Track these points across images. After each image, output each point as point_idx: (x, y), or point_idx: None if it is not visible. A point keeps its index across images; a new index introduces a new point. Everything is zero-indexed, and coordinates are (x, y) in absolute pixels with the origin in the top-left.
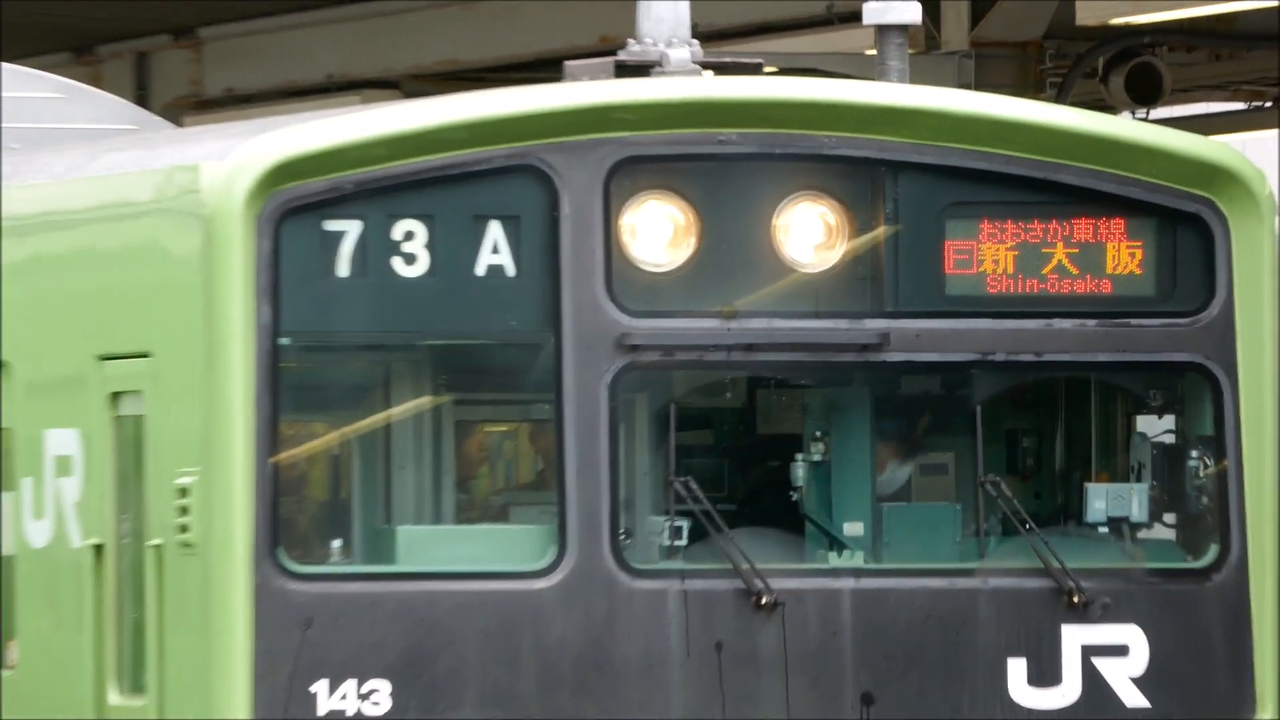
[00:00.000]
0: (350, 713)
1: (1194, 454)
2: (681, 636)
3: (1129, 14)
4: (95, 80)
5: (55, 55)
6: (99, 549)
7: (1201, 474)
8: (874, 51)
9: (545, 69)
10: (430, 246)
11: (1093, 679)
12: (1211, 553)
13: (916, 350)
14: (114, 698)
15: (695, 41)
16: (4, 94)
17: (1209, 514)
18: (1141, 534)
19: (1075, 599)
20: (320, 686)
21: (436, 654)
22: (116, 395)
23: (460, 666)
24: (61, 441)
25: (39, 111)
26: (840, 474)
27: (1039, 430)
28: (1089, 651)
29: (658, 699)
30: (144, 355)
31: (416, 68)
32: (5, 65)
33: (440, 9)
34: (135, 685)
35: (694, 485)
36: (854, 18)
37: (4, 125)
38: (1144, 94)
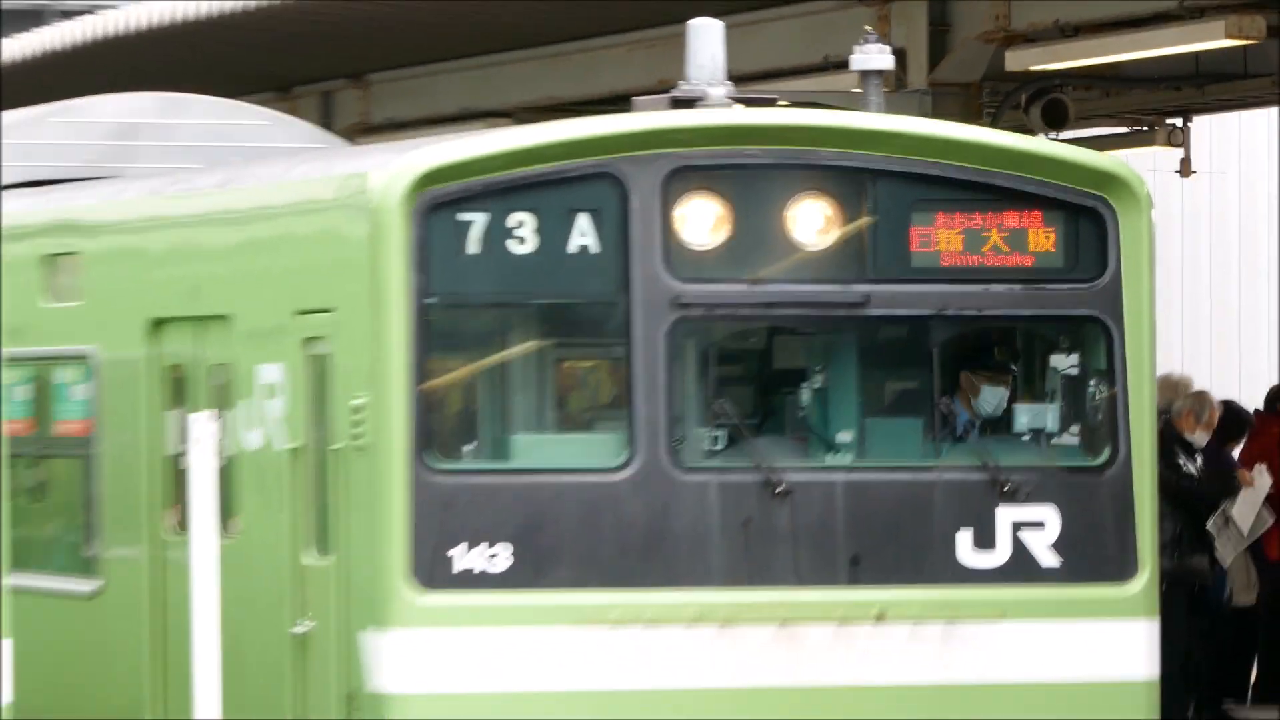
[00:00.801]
0: (477, 570)
1: (1092, 382)
2: (718, 516)
3: (1044, 62)
4: (293, 111)
5: (263, 94)
6: (295, 451)
7: (1097, 397)
8: (859, 89)
9: (618, 103)
10: (536, 232)
11: (1019, 545)
12: (1105, 454)
13: (890, 307)
14: (307, 559)
15: (728, 82)
16: (228, 121)
17: (1102, 426)
18: (1054, 441)
19: (1005, 488)
20: (457, 551)
21: (541, 527)
22: (309, 339)
23: (558, 536)
24: (269, 373)
25: (252, 134)
26: (834, 397)
27: (994, 371)
28: (1016, 526)
29: (701, 561)
30: (328, 310)
31: (524, 102)
32: (228, 101)
33: (542, 59)
34: (322, 549)
35: (728, 405)
36: (844, 65)
37: (227, 144)
38: (1055, 121)
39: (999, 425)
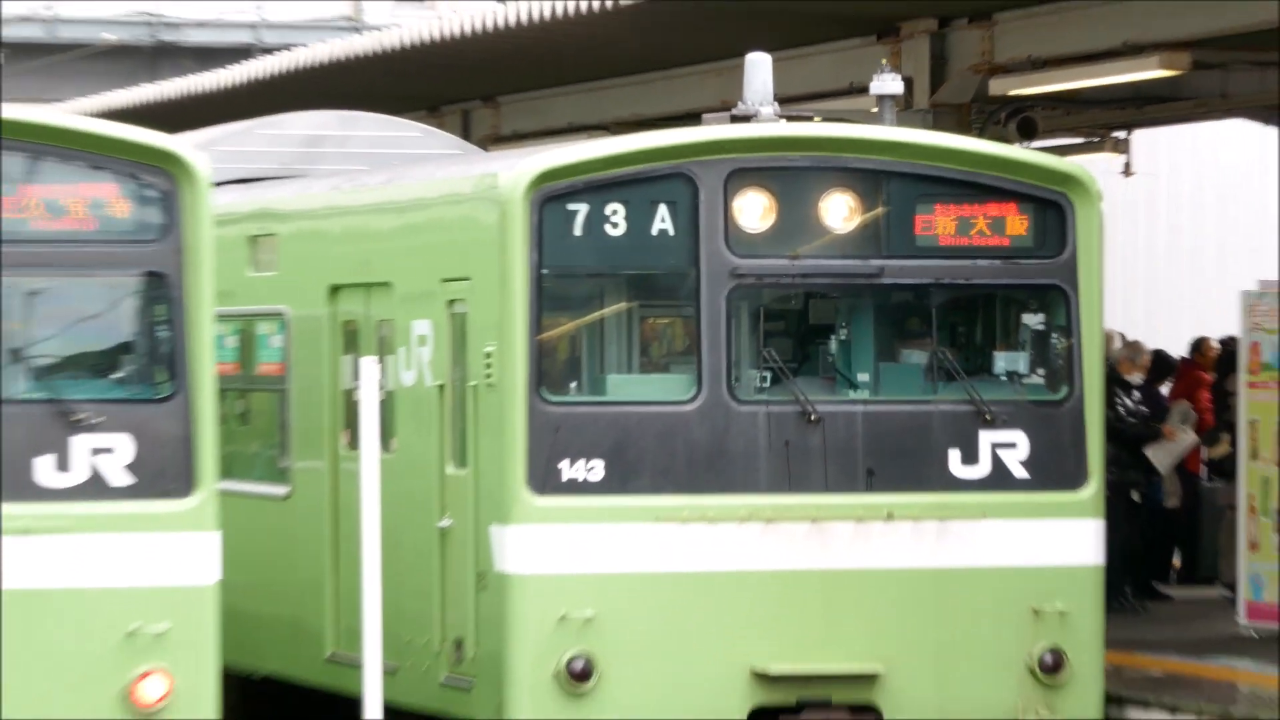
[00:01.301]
0: (579, 479)
1: (1054, 336)
2: (765, 438)
3: (1018, 88)
4: (440, 126)
5: (415, 111)
6: (440, 387)
7: (1058, 347)
8: (876, 109)
9: (690, 119)
10: (625, 219)
11: (996, 461)
12: (1063, 391)
13: (899, 277)
14: (449, 470)
15: (775, 103)
16: (389, 133)
17: (1062, 369)
18: (1024, 380)
19: (987, 416)
20: (563, 464)
21: (627, 447)
22: (451, 301)
23: (640, 454)
24: (420, 327)
25: (408, 143)
26: (855, 346)
27: (969, 322)
28: (995, 446)
29: (751, 473)
30: (466, 279)
31: (618, 118)
32: (389, 117)
33: (632, 84)
34: (460, 463)
35: (773, 353)
36: (864, 90)
37: (388, 151)
38: (1027, 133)
39: (982, 368)
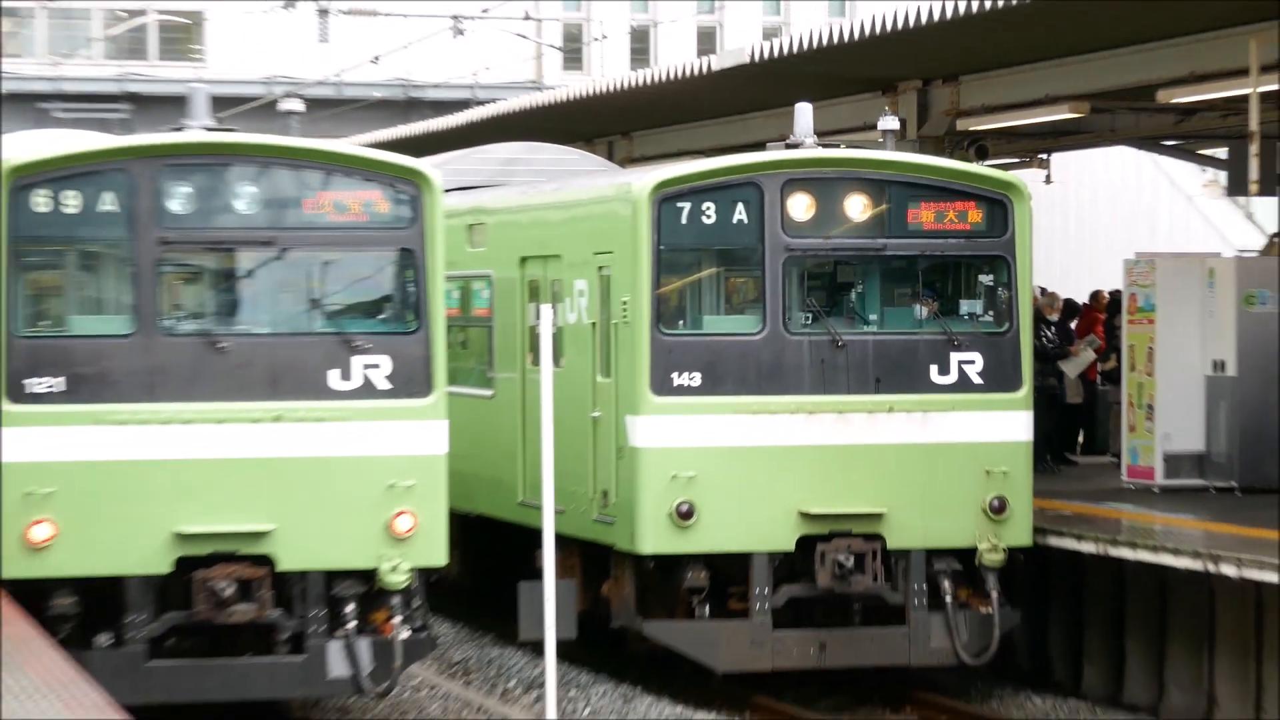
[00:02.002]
0: (685, 384)
1: (999, 289)
2: (808, 357)
3: (976, 126)
4: (591, 151)
5: (575, 141)
6: (593, 325)
7: (1001, 296)
8: (881, 140)
9: (759, 147)
10: (715, 212)
11: (961, 373)
12: (1005, 325)
13: (897, 251)
14: (599, 379)
15: (814, 135)
16: (559, 155)
17: (1005, 311)
18: (980, 318)
19: (955, 342)
20: (674, 375)
21: (717, 364)
22: (600, 267)
23: (725, 368)
24: (580, 284)
25: (571, 162)
26: (868, 296)
27: (944, 281)
28: (961, 362)
29: (799, 380)
30: (610, 252)
31: (709, 146)
32: (559, 145)
33: (719, 124)
34: (605, 374)
35: (813, 301)
36: (874, 127)
37: (559, 168)
38: (981, 155)
39: (951, 311)
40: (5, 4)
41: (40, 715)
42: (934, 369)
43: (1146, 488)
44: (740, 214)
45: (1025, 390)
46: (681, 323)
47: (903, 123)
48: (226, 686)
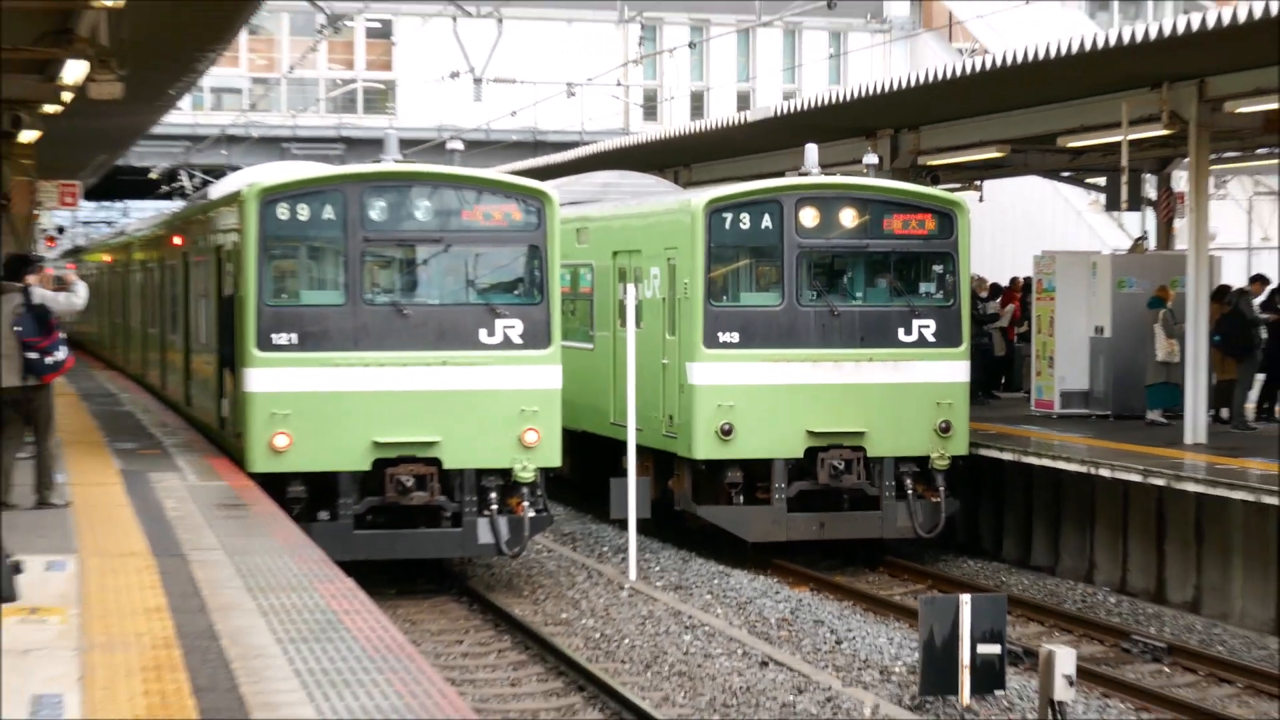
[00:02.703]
0: (727, 341)
1: (947, 276)
2: (814, 322)
3: (932, 160)
4: (663, 176)
5: (653, 170)
6: (664, 299)
7: (948, 280)
8: (865, 171)
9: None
10: (750, 220)
11: (920, 334)
12: (951, 301)
13: (876, 249)
14: (667, 336)
15: (819, 167)
16: (641, 180)
17: (950, 290)
18: (932, 295)
19: (915, 313)
20: (719, 334)
21: (750, 327)
22: (668, 259)
23: (755, 330)
24: (654, 271)
25: (650, 186)
26: (855, 280)
27: (909, 270)
28: (920, 327)
29: (808, 339)
30: (675, 248)
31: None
32: (641, 173)
33: (751, 158)
34: (671, 333)
35: (819, 283)
36: (859, 161)
37: (642, 189)
38: (935, 182)
39: (913, 290)
40: (256, 74)
41: (282, 566)
42: (901, 331)
43: (1048, 415)
44: (766, 222)
45: (964, 346)
46: (725, 297)
47: (880, 158)
48: (408, 548)
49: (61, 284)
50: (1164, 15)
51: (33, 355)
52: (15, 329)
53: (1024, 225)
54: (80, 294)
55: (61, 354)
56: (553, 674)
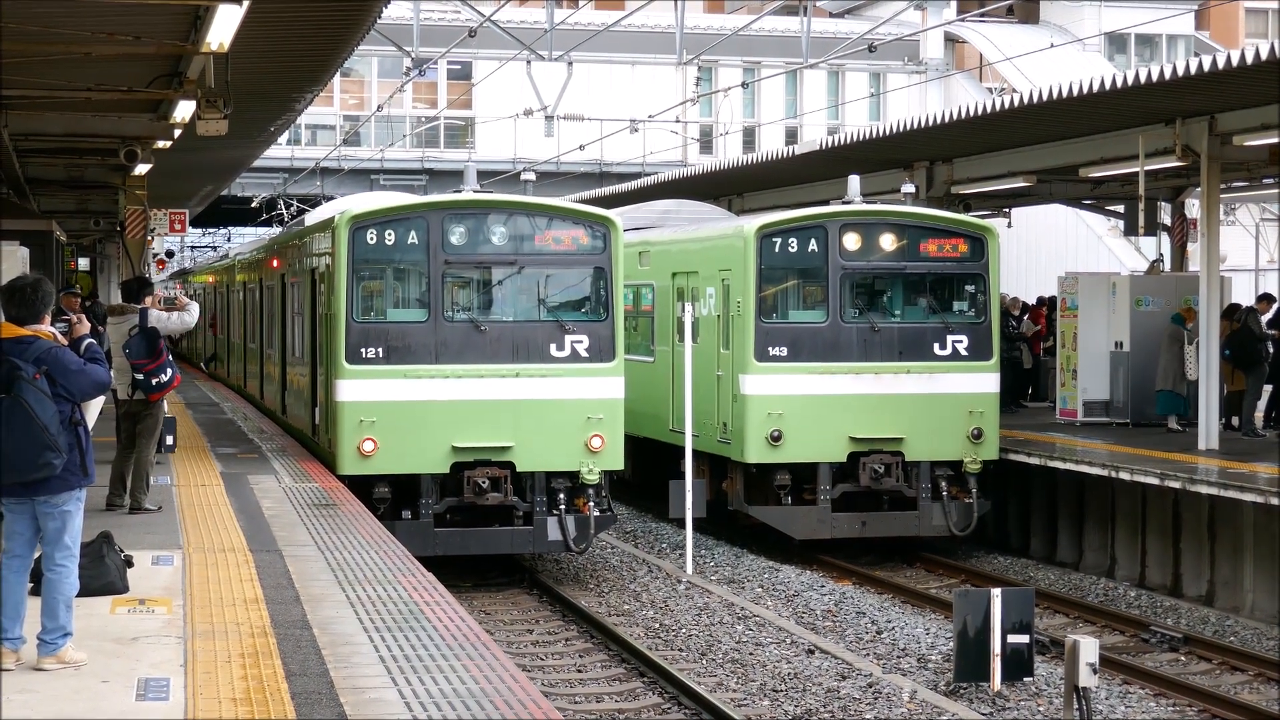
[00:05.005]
0: (776, 354)
1: (979, 295)
2: (856, 338)
3: (964, 190)
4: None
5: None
6: (718, 316)
7: (980, 299)
8: (904, 199)
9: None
10: (797, 244)
11: (954, 348)
12: (982, 319)
13: (914, 270)
14: (722, 350)
15: (861, 196)
16: (698, 207)
17: (982, 308)
18: (966, 313)
19: (949, 329)
20: (770, 348)
21: (797, 341)
22: (723, 279)
23: (803, 344)
24: (710, 290)
25: (705, 213)
26: (894, 298)
27: (945, 289)
28: (954, 342)
29: (850, 352)
30: (729, 270)
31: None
32: (698, 201)
33: (799, 187)
34: (725, 347)
35: (860, 301)
36: (898, 190)
37: (698, 215)
38: (967, 209)
39: (947, 308)
40: (348, 112)
41: (368, 561)
42: (936, 346)
43: (1071, 423)
44: (813, 245)
45: (995, 360)
46: (774, 315)
47: (917, 188)
48: (482, 544)
49: (172, 304)
50: (1177, 57)
51: (139, 376)
52: (125, 350)
53: (1049, 249)
54: (193, 313)
55: (167, 375)
56: (615, 660)
